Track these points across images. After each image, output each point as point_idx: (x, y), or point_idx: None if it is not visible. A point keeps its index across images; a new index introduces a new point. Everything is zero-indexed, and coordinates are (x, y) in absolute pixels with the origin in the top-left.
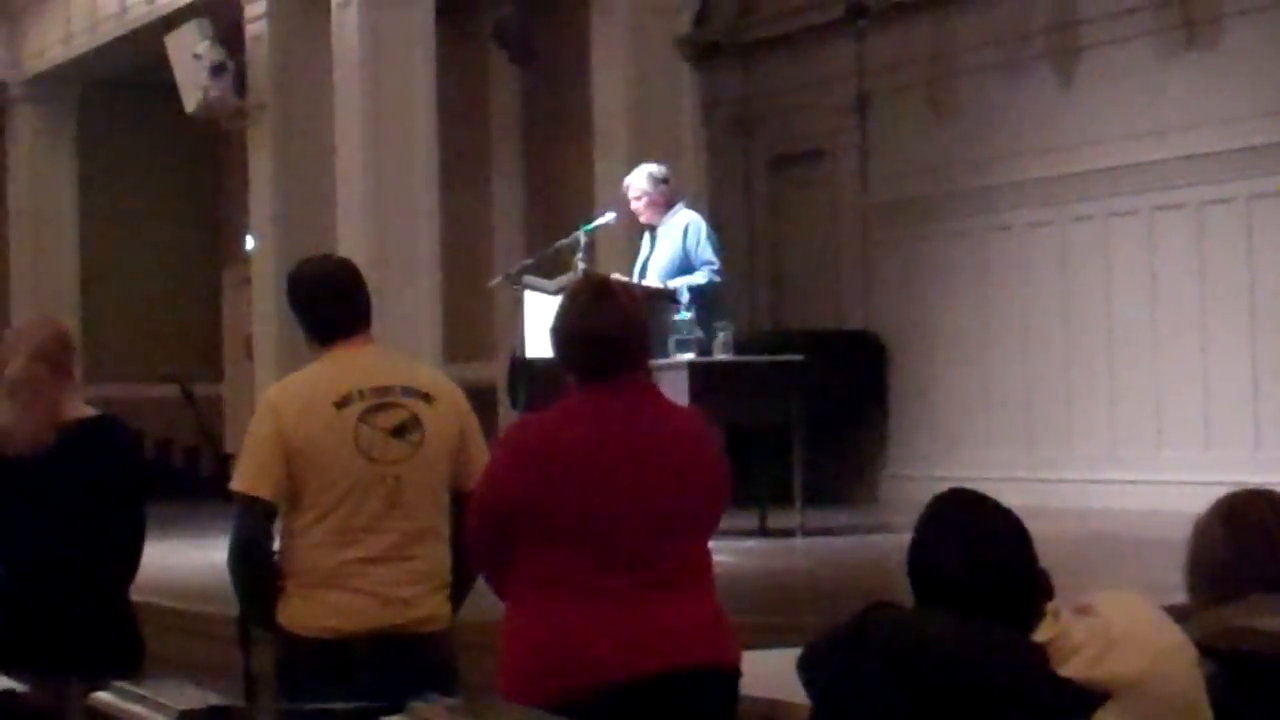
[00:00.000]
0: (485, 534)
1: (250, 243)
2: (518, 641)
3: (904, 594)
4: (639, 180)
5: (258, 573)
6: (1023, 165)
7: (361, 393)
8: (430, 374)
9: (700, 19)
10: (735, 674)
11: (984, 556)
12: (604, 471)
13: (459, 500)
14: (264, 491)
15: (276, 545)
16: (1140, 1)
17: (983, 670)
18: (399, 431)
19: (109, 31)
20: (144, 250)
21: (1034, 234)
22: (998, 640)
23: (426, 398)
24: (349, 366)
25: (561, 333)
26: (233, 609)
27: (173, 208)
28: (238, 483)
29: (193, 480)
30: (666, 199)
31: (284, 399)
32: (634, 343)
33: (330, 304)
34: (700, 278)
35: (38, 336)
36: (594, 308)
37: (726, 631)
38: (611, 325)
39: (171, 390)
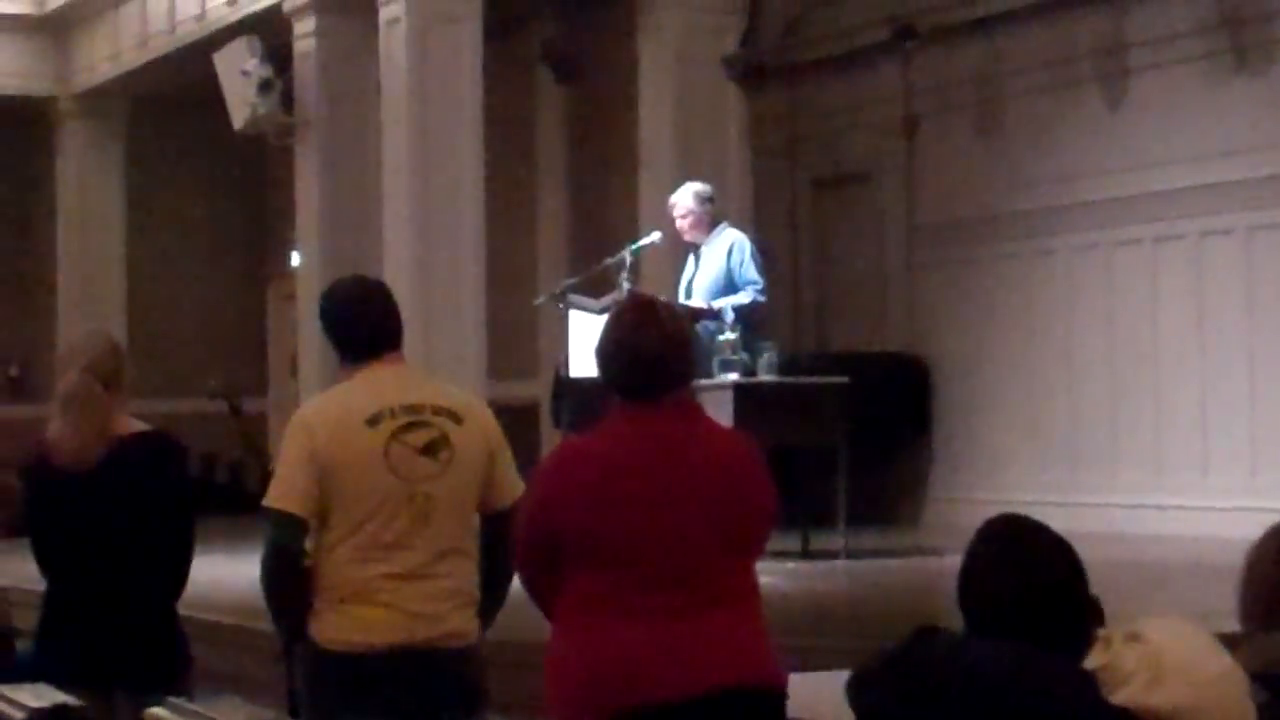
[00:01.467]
0: (533, 556)
1: (296, 259)
2: (565, 661)
3: (948, 618)
4: (685, 198)
5: (288, 586)
6: (1069, 189)
7: (393, 411)
8: (460, 394)
9: (747, 40)
10: (782, 694)
11: (1035, 582)
12: (650, 491)
13: (487, 520)
14: (295, 507)
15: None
16: (1189, 25)
17: (1034, 697)
18: (429, 450)
19: (158, 48)
20: (191, 266)
21: (1080, 258)
22: (1049, 667)
23: (456, 417)
24: (380, 385)
25: (605, 352)
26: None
27: (219, 223)
28: (270, 498)
29: (238, 495)
30: (711, 218)
31: (316, 417)
32: (676, 362)
33: (362, 324)
34: (745, 297)
35: (91, 350)
36: (637, 327)
37: (773, 651)
38: (654, 344)
39: (215, 405)
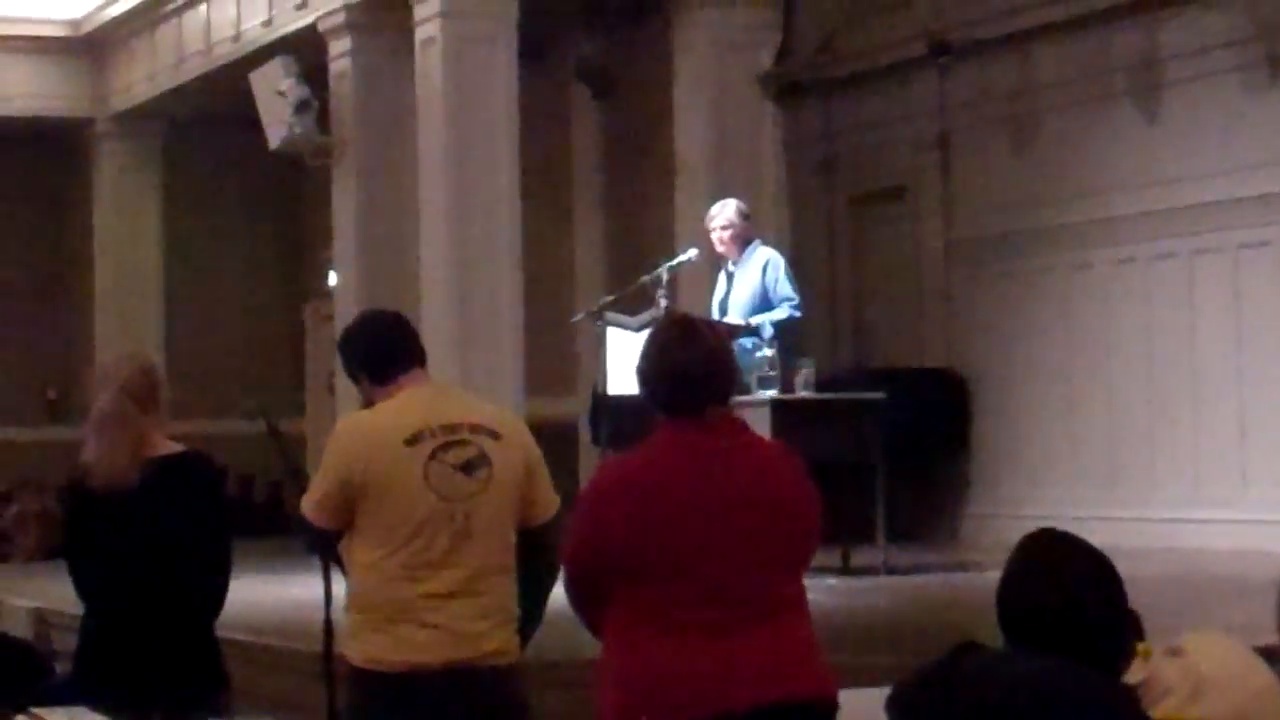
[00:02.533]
0: (582, 574)
1: (333, 279)
2: (618, 677)
3: (988, 633)
4: (728, 212)
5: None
6: (1105, 202)
7: (432, 430)
8: (496, 410)
9: (781, 56)
10: (833, 706)
11: (1074, 597)
12: (699, 507)
13: (525, 535)
14: (325, 522)
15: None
16: (1223, 38)
17: (1074, 712)
18: (468, 468)
19: (194, 69)
20: (227, 286)
21: (1117, 271)
22: (1089, 682)
23: (494, 434)
24: (417, 404)
25: (648, 370)
26: (316, 645)
27: (256, 244)
28: (304, 505)
29: (276, 515)
30: (747, 235)
31: (356, 435)
32: (720, 378)
33: (389, 342)
34: (781, 313)
35: (126, 371)
36: (680, 343)
37: (824, 664)
38: (698, 360)
39: (253, 426)
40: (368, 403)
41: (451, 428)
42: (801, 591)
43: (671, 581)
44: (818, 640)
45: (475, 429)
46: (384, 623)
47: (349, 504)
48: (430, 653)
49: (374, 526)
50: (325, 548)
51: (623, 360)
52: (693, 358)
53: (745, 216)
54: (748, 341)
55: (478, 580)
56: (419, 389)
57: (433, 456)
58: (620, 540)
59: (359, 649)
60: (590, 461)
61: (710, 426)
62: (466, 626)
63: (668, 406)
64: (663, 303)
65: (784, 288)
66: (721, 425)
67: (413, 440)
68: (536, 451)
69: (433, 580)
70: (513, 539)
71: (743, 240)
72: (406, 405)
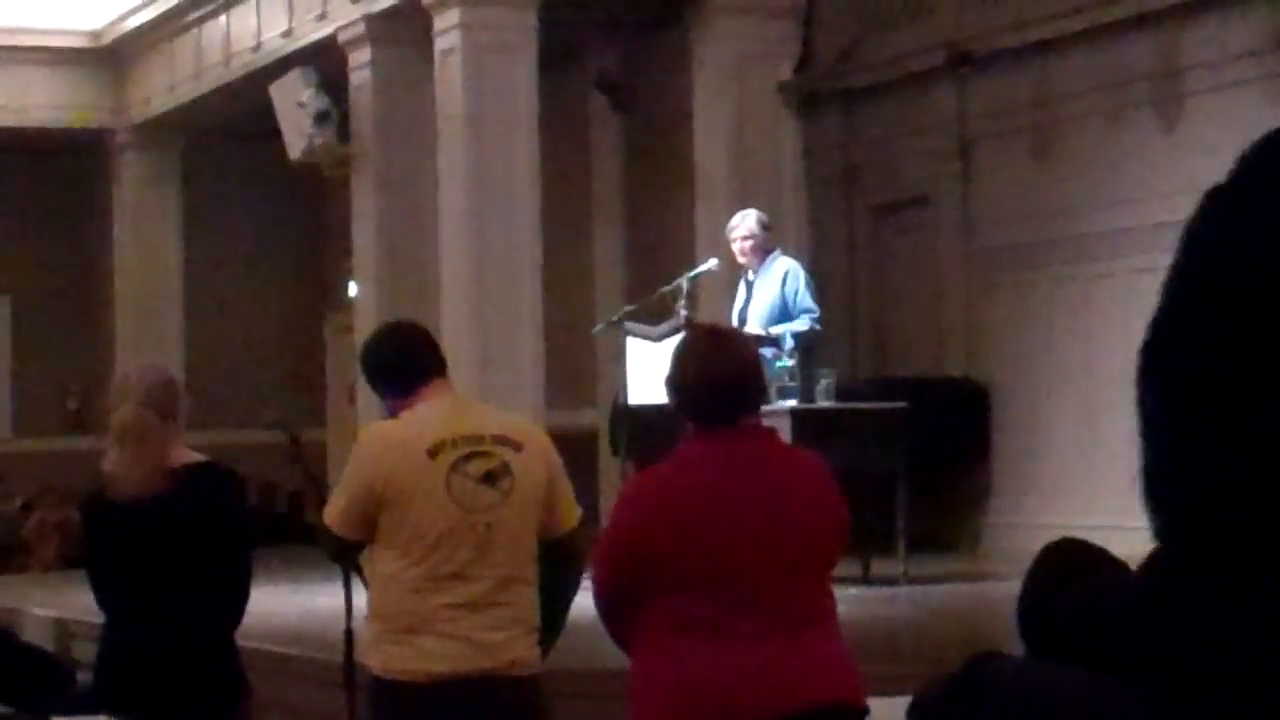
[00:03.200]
0: (614, 583)
1: (353, 289)
2: (652, 686)
3: (1009, 643)
4: (748, 222)
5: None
6: (1126, 212)
7: (454, 441)
8: (517, 420)
9: (801, 66)
10: (864, 712)
11: (1094, 608)
12: (735, 515)
13: (546, 546)
14: (347, 532)
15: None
16: (1244, 48)
17: None
18: (490, 479)
19: (214, 79)
20: (247, 296)
21: (1137, 281)
22: (1110, 692)
23: (515, 445)
24: (439, 415)
25: (680, 379)
26: (337, 654)
27: (276, 254)
28: (327, 515)
29: (296, 525)
30: (768, 245)
31: (378, 446)
32: (752, 387)
33: (410, 354)
34: (802, 324)
35: (146, 382)
36: (713, 353)
37: (854, 668)
38: (730, 370)
39: (273, 436)
40: (390, 413)
41: (473, 439)
42: (831, 596)
43: (709, 590)
44: (848, 646)
45: (497, 440)
46: (405, 633)
47: (372, 514)
48: (451, 663)
49: (396, 537)
50: (348, 558)
51: (643, 371)
52: (727, 368)
53: (766, 227)
54: (767, 351)
55: (499, 591)
56: (441, 400)
57: (455, 468)
58: (657, 549)
59: (380, 659)
60: (611, 472)
61: (742, 435)
62: (487, 637)
63: (700, 415)
64: (682, 313)
65: (804, 299)
66: (750, 433)
67: (435, 451)
68: (558, 462)
69: (454, 591)
70: (534, 549)
71: (763, 250)
72: (428, 416)
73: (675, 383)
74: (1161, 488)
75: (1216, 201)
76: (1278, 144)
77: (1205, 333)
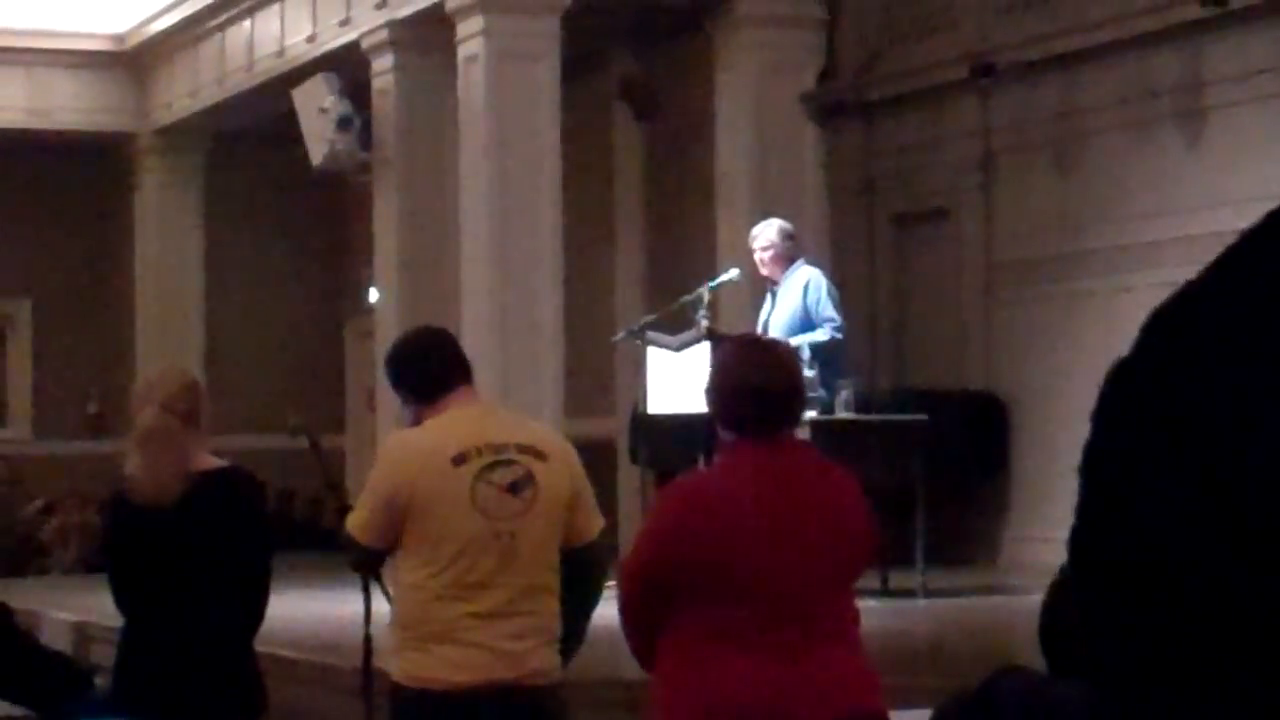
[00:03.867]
0: (644, 591)
1: (374, 295)
2: (680, 697)
3: (1028, 657)
4: (769, 232)
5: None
6: (1147, 226)
7: (479, 450)
8: (543, 431)
9: (824, 77)
10: None
11: None
12: (772, 528)
13: (569, 555)
14: (371, 540)
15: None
16: (1268, 62)
17: None
18: (514, 488)
19: (236, 84)
20: (268, 301)
21: (1158, 295)
22: None
23: (540, 454)
24: (464, 423)
25: (726, 387)
26: (355, 660)
27: (297, 259)
28: (351, 523)
29: (315, 531)
30: (790, 255)
31: (402, 454)
32: (796, 399)
33: (428, 361)
34: (822, 335)
35: (169, 387)
36: (762, 365)
37: (878, 684)
38: (780, 382)
39: (293, 441)
40: (415, 421)
41: (498, 447)
42: (856, 611)
43: (743, 602)
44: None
45: (522, 449)
46: (427, 641)
47: (396, 523)
48: (473, 672)
49: (419, 545)
50: (370, 567)
51: (663, 380)
52: (772, 378)
53: (788, 237)
54: None
55: (522, 600)
56: (466, 408)
57: (479, 476)
58: (694, 558)
59: (402, 667)
60: (630, 481)
61: (780, 448)
62: (509, 646)
63: (742, 426)
64: (703, 323)
65: (825, 309)
66: (790, 447)
67: (459, 459)
68: (582, 472)
69: (477, 600)
70: (557, 559)
71: (785, 260)
72: (453, 424)
73: (720, 390)
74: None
75: (1119, 377)
76: (1168, 316)
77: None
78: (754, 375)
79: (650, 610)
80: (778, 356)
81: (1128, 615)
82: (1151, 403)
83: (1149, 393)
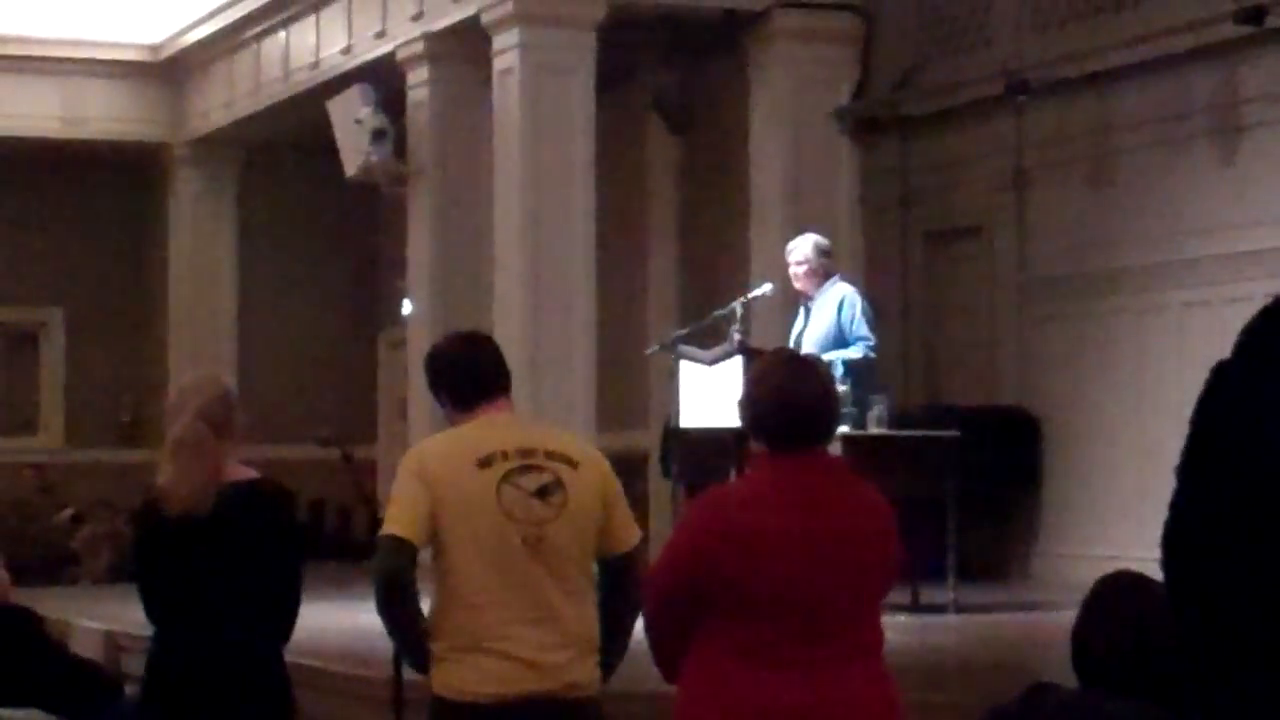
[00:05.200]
0: (670, 604)
1: (407, 307)
2: (705, 711)
3: (1059, 674)
4: (805, 247)
5: (404, 615)
6: (1181, 244)
7: (505, 454)
8: (574, 440)
9: (859, 93)
10: None
11: (1149, 640)
12: (801, 544)
13: (605, 566)
14: (406, 531)
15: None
16: None
17: None
18: (542, 493)
19: (272, 95)
20: (301, 311)
21: (1190, 314)
22: None
23: (570, 462)
24: (494, 429)
25: (760, 402)
26: (385, 671)
27: (330, 270)
28: (384, 527)
29: (346, 542)
30: (826, 270)
31: (428, 457)
32: (830, 415)
33: (472, 368)
34: (855, 352)
35: (203, 396)
36: (796, 379)
37: (900, 705)
38: (813, 396)
39: (323, 452)
40: (451, 423)
41: (527, 452)
42: (881, 631)
43: (770, 617)
44: (894, 679)
45: (552, 455)
46: (463, 651)
47: (425, 516)
48: (511, 684)
49: (447, 550)
50: (403, 571)
51: (695, 393)
52: (805, 392)
53: (824, 253)
54: None
55: (555, 608)
56: (498, 415)
57: (505, 479)
58: (720, 572)
59: (438, 677)
60: (661, 494)
61: (811, 463)
62: (548, 657)
63: (773, 440)
64: (736, 337)
65: (860, 327)
66: (822, 463)
67: (486, 462)
68: (615, 482)
69: (508, 606)
70: (591, 568)
71: (820, 276)
72: (481, 429)
73: (750, 403)
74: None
75: (1220, 376)
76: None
77: (1216, 510)
78: (786, 388)
79: (674, 622)
80: (812, 370)
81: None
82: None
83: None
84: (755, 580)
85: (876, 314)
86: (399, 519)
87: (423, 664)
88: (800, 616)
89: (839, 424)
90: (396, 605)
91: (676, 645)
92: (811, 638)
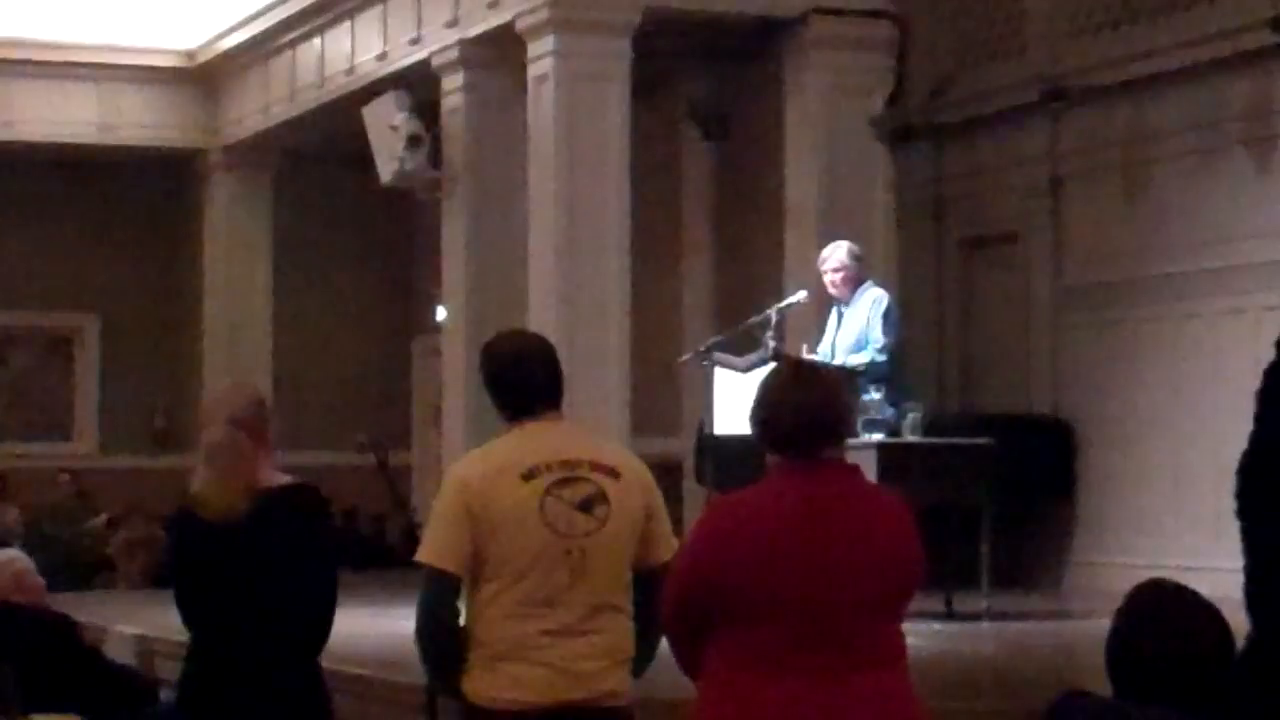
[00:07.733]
0: (685, 611)
1: (441, 313)
2: (719, 717)
3: (1093, 682)
4: (839, 254)
5: (442, 645)
6: (1216, 252)
7: (549, 466)
8: (618, 450)
9: (894, 100)
10: None
11: (1185, 649)
12: (812, 550)
13: (641, 576)
14: (448, 565)
15: (463, 619)
16: None
17: None
18: (585, 505)
19: (307, 101)
20: (335, 318)
21: (1225, 322)
22: None
23: (613, 473)
24: (537, 440)
25: (766, 411)
26: (419, 677)
27: (365, 277)
28: (423, 554)
29: (381, 548)
30: (860, 276)
31: (471, 471)
32: (838, 422)
33: (522, 379)
34: (863, 357)
35: (236, 403)
36: (800, 384)
37: (923, 714)
38: (817, 402)
39: (357, 458)
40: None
41: (570, 464)
42: (903, 640)
43: (781, 624)
44: (916, 690)
45: (595, 467)
46: (498, 660)
47: (466, 541)
48: (544, 692)
49: (489, 561)
50: (447, 603)
51: (729, 401)
52: (807, 398)
53: (857, 259)
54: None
55: (593, 618)
56: (542, 425)
57: (549, 492)
58: (731, 578)
59: (473, 686)
60: (695, 501)
61: (822, 469)
62: (581, 666)
63: (780, 447)
64: (770, 344)
65: (875, 330)
66: (834, 469)
67: (529, 475)
68: (657, 493)
69: (547, 617)
70: (628, 579)
71: (855, 282)
72: (525, 440)
73: (757, 413)
74: (1257, 594)
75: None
76: None
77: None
78: (789, 393)
79: (690, 625)
80: (816, 375)
81: None
82: None
83: None
84: (761, 586)
85: (910, 321)
86: (441, 550)
87: (449, 689)
88: (808, 622)
89: (849, 430)
90: (436, 639)
91: (694, 646)
92: (822, 644)
